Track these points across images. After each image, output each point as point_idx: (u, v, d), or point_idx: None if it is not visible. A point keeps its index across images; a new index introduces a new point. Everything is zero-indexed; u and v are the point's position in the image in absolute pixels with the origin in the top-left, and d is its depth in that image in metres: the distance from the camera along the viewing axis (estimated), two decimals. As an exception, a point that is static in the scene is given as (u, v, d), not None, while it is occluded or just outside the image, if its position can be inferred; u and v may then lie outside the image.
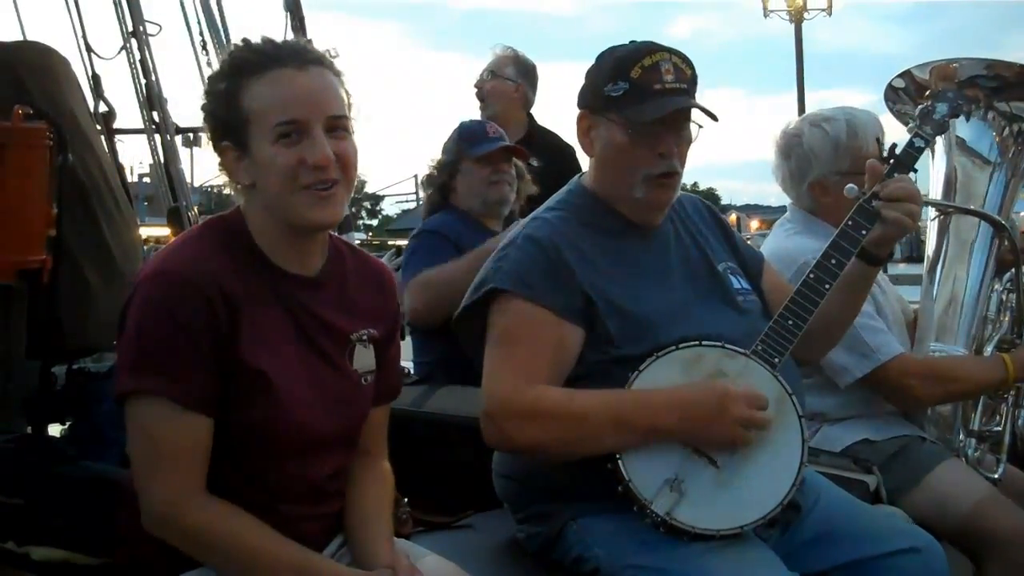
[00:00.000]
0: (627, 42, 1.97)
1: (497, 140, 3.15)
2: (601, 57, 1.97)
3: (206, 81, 1.65)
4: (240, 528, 1.51)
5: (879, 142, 2.24)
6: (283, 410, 1.54)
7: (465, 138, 3.17)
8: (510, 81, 4.01)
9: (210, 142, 1.62)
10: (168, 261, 1.54)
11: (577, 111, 2.01)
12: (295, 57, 1.55)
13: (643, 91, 1.87)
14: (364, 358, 1.67)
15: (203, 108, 1.61)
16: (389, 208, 53.34)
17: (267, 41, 1.59)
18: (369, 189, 51.63)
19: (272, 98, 1.52)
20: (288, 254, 1.60)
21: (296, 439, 1.57)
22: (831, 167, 2.51)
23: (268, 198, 1.55)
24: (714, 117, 1.91)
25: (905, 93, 2.77)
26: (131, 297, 1.52)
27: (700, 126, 1.94)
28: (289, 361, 1.57)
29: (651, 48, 1.91)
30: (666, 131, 1.89)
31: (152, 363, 1.48)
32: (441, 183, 3.17)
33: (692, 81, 1.92)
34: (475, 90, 4.08)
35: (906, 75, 2.74)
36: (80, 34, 4.56)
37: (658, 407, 1.77)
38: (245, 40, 1.62)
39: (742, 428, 1.75)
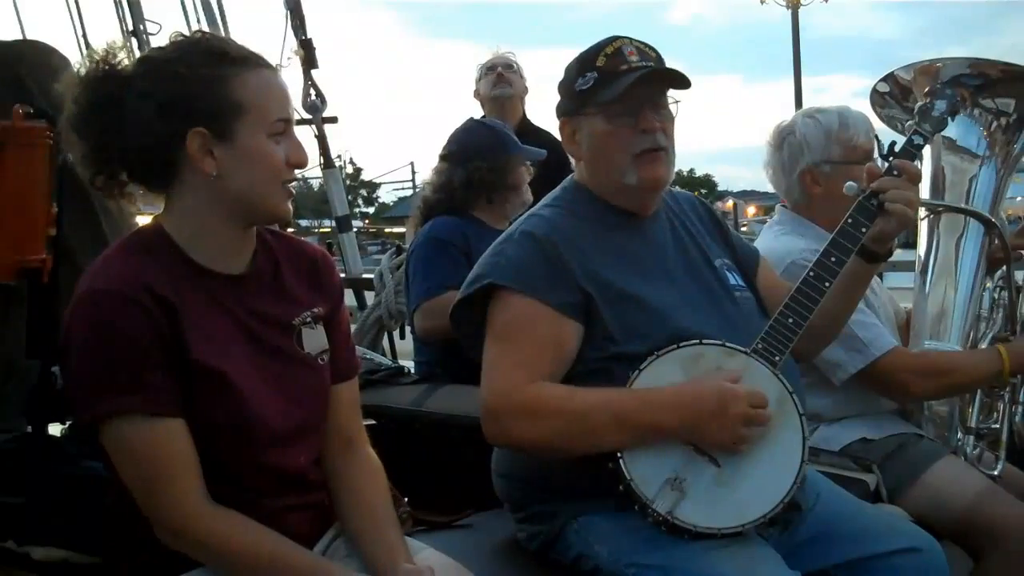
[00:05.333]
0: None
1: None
2: (568, 65, 2.00)
3: (164, 61, 1.54)
4: (256, 537, 1.52)
5: (877, 139, 2.25)
6: (246, 407, 1.54)
7: (510, 140, 3.14)
8: (521, 81, 4.12)
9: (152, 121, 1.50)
10: (94, 281, 1.51)
11: (559, 122, 2.03)
12: (267, 62, 1.60)
13: (611, 74, 1.90)
14: (314, 339, 1.67)
15: (169, 89, 1.51)
16: (385, 195, 53.54)
17: (231, 39, 1.61)
18: (365, 177, 51.71)
19: (270, 94, 1.55)
20: (216, 254, 1.59)
21: (265, 433, 1.57)
22: (822, 155, 2.53)
23: (242, 188, 1.54)
24: (687, 82, 1.92)
25: (890, 96, 2.78)
26: (68, 325, 1.50)
27: (677, 101, 1.96)
28: (241, 359, 1.56)
29: (612, 38, 1.95)
30: (644, 108, 1.91)
31: (111, 382, 1.46)
32: (491, 183, 3.08)
33: (658, 60, 1.94)
34: (491, 68, 4.08)
35: (890, 78, 2.75)
36: (80, 33, 4.57)
37: (659, 405, 1.76)
38: (204, 32, 1.63)
39: (743, 426, 1.75)
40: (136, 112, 1.52)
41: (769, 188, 2.93)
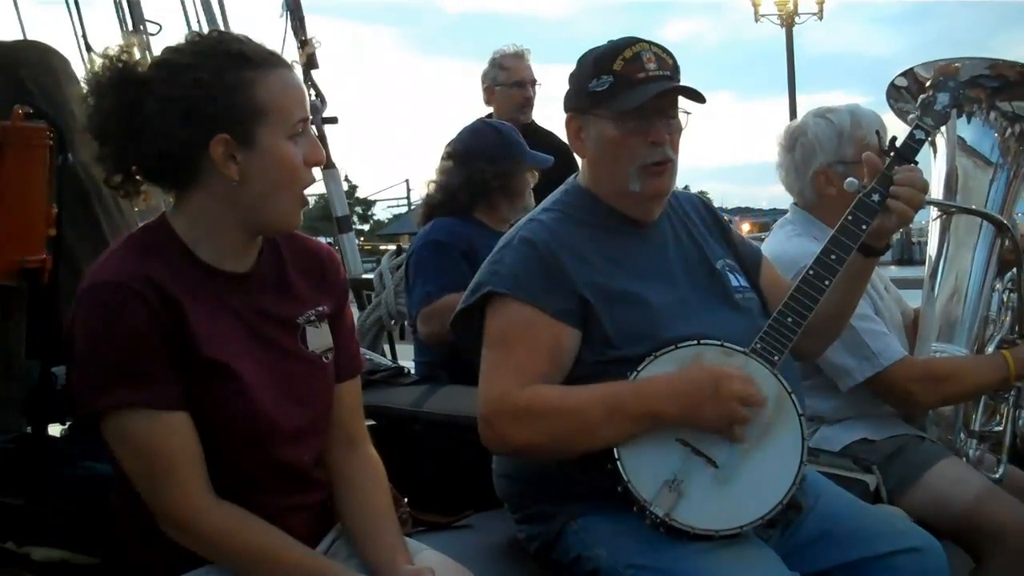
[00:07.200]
0: (605, 42, 1.97)
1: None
2: (582, 59, 1.98)
3: (185, 66, 1.50)
4: (260, 534, 1.52)
5: (879, 135, 2.24)
6: (252, 404, 1.53)
7: (518, 145, 3.10)
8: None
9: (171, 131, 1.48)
10: (98, 274, 1.50)
11: (565, 116, 2.01)
12: (284, 60, 1.58)
13: (628, 81, 1.88)
14: (318, 337, 1.66)
15: (191, 95, 1.48)
16: (380, 213, 53.57)
17: (248, 38, 1.57)
18: (360, 194, 51.66)
19: (290, 94, 1.54)
20: (223, 253, 1.57)
21: (270, 431, 1.56)
22: (836, 155, 2.52)
23: (260, 195, 1.52)
24: (702, 98, 1.91)
25: (908, 91, 2.76)
26: (73, 318, 1.50)
27: (688, 112, 1.95)
28: (246, 357, 1.56)
29: (631, 41, 1.92)
30: (655, 119, 1.90)
31: (115, 375, 1.46)
32: (494, 187, 3.04)
33: (675, 69, 1.92)
34: (519, 84, 4.06)
35: (909, 74, 2.73)
36: (80, 33, 4.57)
37: (652, 392, 1.76)
38: (222, 32, 1.60)
39: (739, 405, 1.74)
40: (158, 117, 1.49)
41: (764, 205, 2.93)
